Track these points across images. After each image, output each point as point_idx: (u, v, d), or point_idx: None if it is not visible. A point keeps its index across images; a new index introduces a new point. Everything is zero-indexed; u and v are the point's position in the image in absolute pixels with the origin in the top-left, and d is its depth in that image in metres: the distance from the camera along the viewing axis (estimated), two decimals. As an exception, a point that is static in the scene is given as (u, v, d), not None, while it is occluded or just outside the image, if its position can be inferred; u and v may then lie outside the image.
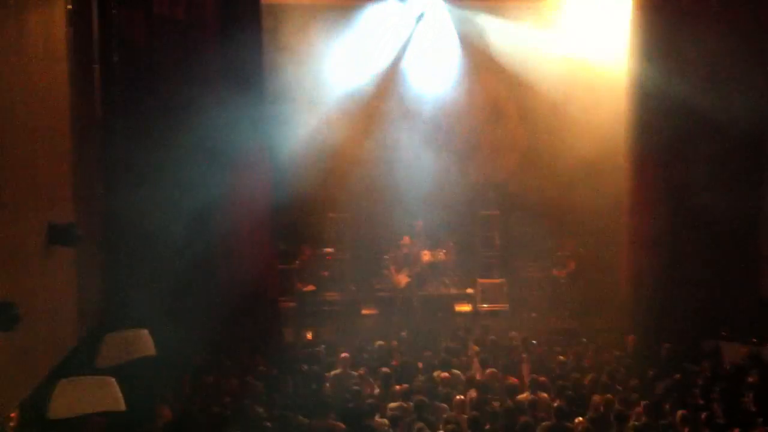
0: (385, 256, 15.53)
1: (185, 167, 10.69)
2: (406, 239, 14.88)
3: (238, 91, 11.63)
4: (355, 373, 9.88)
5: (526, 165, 16.71)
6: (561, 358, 10.83)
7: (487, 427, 8.00)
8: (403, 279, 14.71)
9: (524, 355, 10.84)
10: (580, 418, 8.12)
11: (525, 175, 16.61)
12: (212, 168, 11.30)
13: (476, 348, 11.21)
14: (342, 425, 8.08)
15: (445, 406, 8.75)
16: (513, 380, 9.67)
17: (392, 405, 8.60)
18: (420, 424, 7.84)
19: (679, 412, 7.94)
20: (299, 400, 8.92)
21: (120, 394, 5.23)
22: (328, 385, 9.69)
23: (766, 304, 12.34)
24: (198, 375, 9.74)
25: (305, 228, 15.71)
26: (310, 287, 14.72)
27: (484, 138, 16.70)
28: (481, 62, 15.86)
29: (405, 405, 8.59)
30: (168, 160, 10.36)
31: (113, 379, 5.23)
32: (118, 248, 9.71)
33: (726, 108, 11.76)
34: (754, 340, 11.36)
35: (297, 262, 14.73)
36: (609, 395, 8.78)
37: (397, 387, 9.14)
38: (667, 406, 8.45)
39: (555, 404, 8.48)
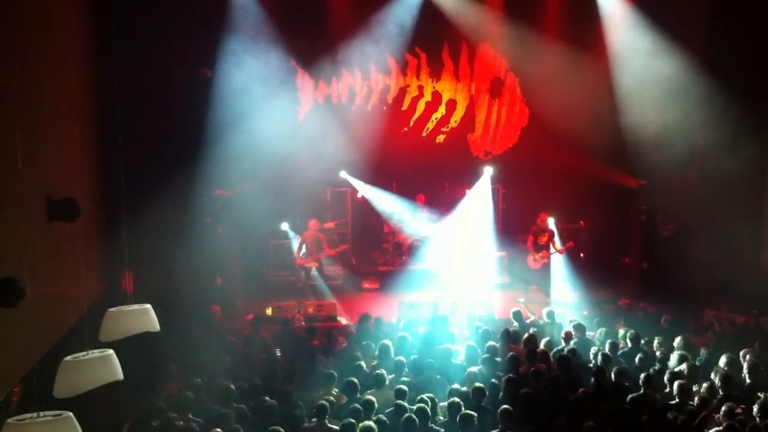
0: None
1: (187, 143, 10.71)
2: None
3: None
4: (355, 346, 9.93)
5: (527, 139, 16.75)
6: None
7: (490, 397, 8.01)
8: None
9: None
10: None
11: (526, 149, 16.64)
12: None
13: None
14: (344, 396, 8.16)
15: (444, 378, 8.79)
16: (516, 348, 9.72)
17: (391, 376, 8.63)
18: (422, 397, 7.83)
19: (677, 383, 7.95)
20: (300, 373, 8.97)
21: (118, 365, 5.25)
22: (331, 358, 9.72)
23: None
24: (198, 350, 9.77)
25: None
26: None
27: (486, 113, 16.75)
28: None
29: (405, 378, 8.64)
30: (169, 137, 10.36)
31: (112, 351, 5.24)
32: (120, 223, 9.70)
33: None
34: (755, 311, 11.37)
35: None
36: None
37: (395, 359, 9.13)
38: (666, 378, 8.48)
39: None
